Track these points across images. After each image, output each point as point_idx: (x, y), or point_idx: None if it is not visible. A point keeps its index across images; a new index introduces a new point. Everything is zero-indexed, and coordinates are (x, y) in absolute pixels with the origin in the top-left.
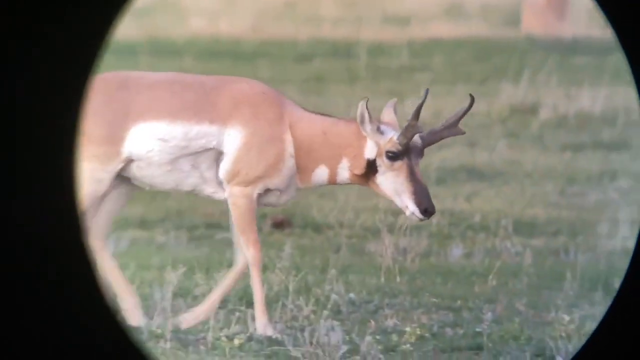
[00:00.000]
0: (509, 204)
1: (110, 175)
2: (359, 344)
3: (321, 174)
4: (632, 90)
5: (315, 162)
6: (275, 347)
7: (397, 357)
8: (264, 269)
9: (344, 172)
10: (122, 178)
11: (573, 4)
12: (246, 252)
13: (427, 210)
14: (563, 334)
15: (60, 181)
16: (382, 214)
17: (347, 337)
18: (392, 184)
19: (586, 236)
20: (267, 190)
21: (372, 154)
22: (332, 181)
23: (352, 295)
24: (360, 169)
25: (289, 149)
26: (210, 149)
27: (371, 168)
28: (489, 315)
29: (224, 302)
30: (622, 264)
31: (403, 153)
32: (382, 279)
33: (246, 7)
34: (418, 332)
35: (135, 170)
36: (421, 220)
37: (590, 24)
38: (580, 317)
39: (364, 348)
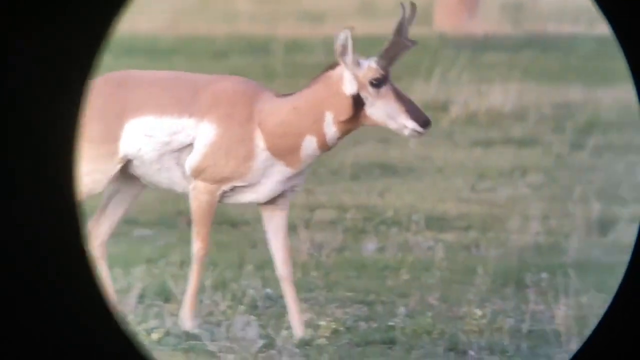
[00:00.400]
0: (421, 199)
1: (109, 175)
2: (274, 338)
3: (309, 145)
4: (542, 86)
5: (299, 138)
6: (192, 342)
7: (312, 350)
8: (181, 264)
9: (331, 129)
10: (122, 182)
11: (483, 1)
12: (193, 243)
13: (426, 122)
14: (475, 329)
15: (60, 181)
16: (298, 209)
17: (263, 332)
18: (383, 111)
19: (497, 231)
20: (237, 189)
21: (353, 88)
22: (323, 146)
23: (268, 290)
24: (346, 113)
25: (260, 143)
26: (189, 144)
27: (357, 104)
28: (402, 310)
29: (141, 297)
30: (534, 259)
31: (387, 77)
32: (299, 274)
33: (162, 4)
34: (333, 326)
35: (134, 170)
36: (421, 133)
37: (501, 21)
38: (492, 311)
39: (279, 342)
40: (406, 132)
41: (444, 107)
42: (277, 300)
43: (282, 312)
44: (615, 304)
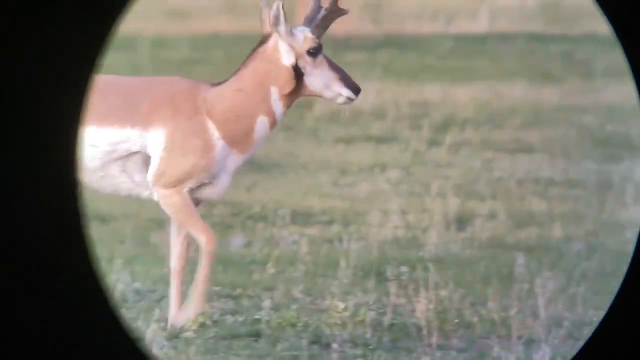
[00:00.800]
0: (286, 194)
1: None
2: (144, 331)
3: (262, 126)
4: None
5: (251, 119)
6: None
7: (180, 343)
8: None
9: (278, 104)
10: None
11: (343, 1)
12: (199, 240)
13: (357, 89)
14: (338, 321)
15: (60, 182)
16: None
17: (133, 325)
18: (320, 79)
19: (358, 225)
20: (201, 185)
21: (291, 59)
22: (273, 124)
23: (137, 284)
24: (289, 84)
25: (215, 134)
26: (136, 152)
27: (297, 74)
28: (267, 303)
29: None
30: (394, 253)
31: (321, 46)
32: (166, 269)
33: None
34: (200, 320)
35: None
36: (353, 100)
37: (361, 21)
38: (355, 304)
39: (149, 335)
40: (340, 100)
41: (308, 105)
42: (146, 294)
43: (151, 306)
44: (615, 306)
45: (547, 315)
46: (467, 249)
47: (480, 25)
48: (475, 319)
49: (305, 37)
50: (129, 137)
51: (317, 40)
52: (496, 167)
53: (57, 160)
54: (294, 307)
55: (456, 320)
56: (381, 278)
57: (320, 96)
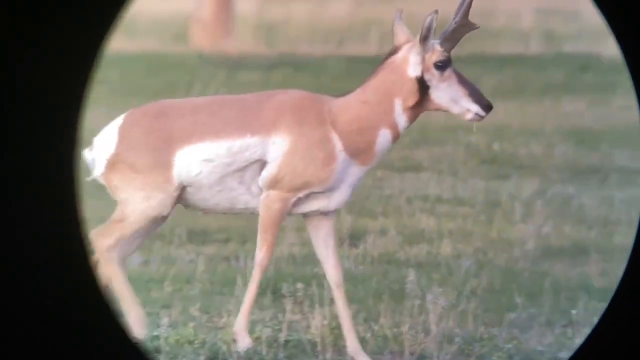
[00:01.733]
0: (182, 213)
1: (170, 199)
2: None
3: (384, 138)
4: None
5: (374, 132)
6: None
7: None
8: None
9: (402, 117)
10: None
11: (238, 21)
12: (258, 251)
13: (488, 106)
14: (234, 338)
15: (61, 183)
16: None
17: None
18: (447, 94)
19: (254, 243)
20: (311, 195)
21: (418, 71)
22: (396, 137)
23: None
24: (413, 97)
25: (338, 145)
26: (255, 161)
27: (422, 87)
28: (165, 320)
29: None
30: (289, 270)
31: (450, 59)
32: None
33: None
34: None
35: (188, 196)
36: (483, 117)
37: (255, 41)
38: (251, 321)
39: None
40: (469, 116)
41: None
42: None
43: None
44: (614, 306)
45: (438, 331)
46: (359, 265)
47: (370, 47)
48: (368, 335)
49: (433, 49)
50: (248, 145)
51: (445, 54)
52: (386, 185)
53: (57, 161)
54: (191, 324)
55: None
56: (277, 295)
57: (447, 111)
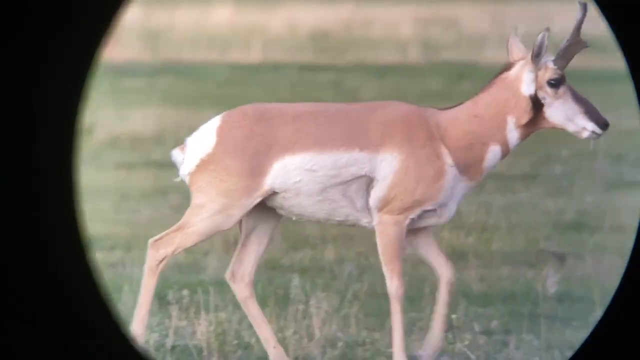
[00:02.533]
0: None
1: (242, 211)
2: None
3: (494, 154)
4: (179, 110)
5: (484, 147)
6: None
7: None
8: None
9: (513, 134)
10: (261, 217)
11: (122, 28)
12: (389, 283)
13: (605, 124)
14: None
15: (61, 184)
16: None
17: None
18: (562, 111)
19: (141, 250)
20: (423, 214)
21: (531, 89)
22: (506, 153)
23: None
24: (527, 115)
25: (448, 160)
26: (362, 176)
27: (536, 105)
28: None
29: None
30: (175, 277)
31: (564, 77)
32: None
33: None
34: None
35: (281, 201)
36: (600, 135)
37: (140, 48)
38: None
39: None
40: (585, 134)
41: (89, 130)
42: None
43: None
44: (614, 306)
45: (321, 336)
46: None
47: (253, 55)
48: (253, 340)
49: (546, 67)
50: (356, 160)
51: (559, 71)
52: None
53: (57, 163)
54: None
55: (235, 342)
56: (163, 302)
57: (563, 129)
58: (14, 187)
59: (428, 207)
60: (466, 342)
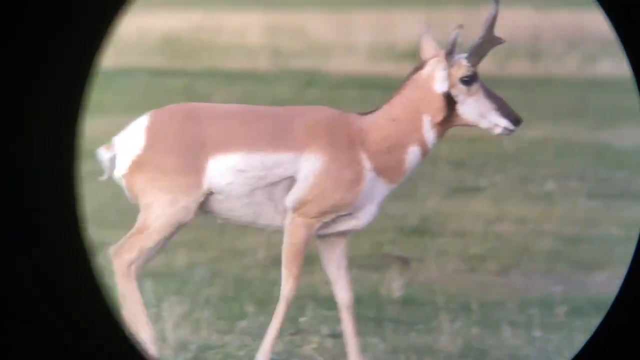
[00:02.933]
0: None
1: (196, 204)
2: None
3: (414, 155)
4: None
5: (403, 150)
6: None
7: None
8: None
9: (430, 133)
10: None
11: None
12: (284, 283)
13: (517, 120)
14: None
15: (61, 186)
16: None
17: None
18: (475, 108)
19: None
20: (337, 218)
21: (444, 86)
22: (425, 153)
23: None
24: (441, 112)
25: (367, 165)
26: (287, 178)
27: (449, 103)
28: None
29: None
30: None
31: (476, 74)
32: None
33: None
34: None
35: (214, 204)
36: (512, 131)
37: None
38: None
39: None
40: (497, 131)
41: None
42: None
43: None
44: (615, 307)
45: (174, 339)
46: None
47: (104, 60)
48: None
49: (459, 64)
50: (282, 161)
51: (471, 68)
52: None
53: (57, 165)
54: None
55: None
56: None
57: (476, 125)
58: (14, 187)
59: (343, 212)
60: (314, 345)
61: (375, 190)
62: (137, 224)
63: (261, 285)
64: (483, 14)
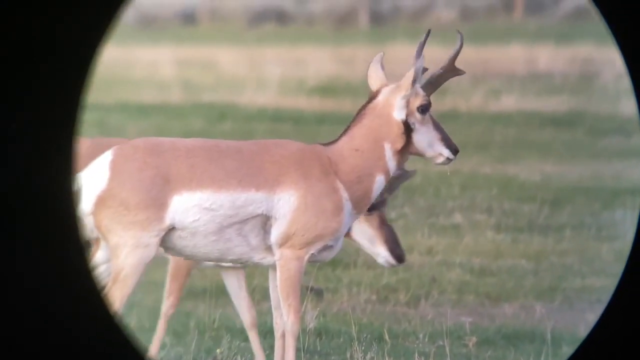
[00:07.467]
0: None
1: (156, 240)
2: None
3: (379, 185)
4: None
5: (370, 179)
6: None
7: None
8: None
9: (392, 162)
10: None
11: None
12: (285, 318)
13: (456, 150)
14: None
15: (60, 191)
16: None
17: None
18: (426, 137)
19: None
20: (323, 248)
21: (403, 114)
22: (388, 180)
23: None
24: (400, 140)
25: (344, 194)
26: (258, 215)
27: (407, 130)
28: None
29: None
30: None
31: (430, 103)
32: None
33: None
34: None
35: (175, 240)
36: (451, 161)
37: None
38: None
39: None
40: (439, 160)
41: None
42: None
43: None
44: (613, 306)
45: None
46: None
47: None
48: None
49: (417, 93)
50: (253, 200)
51: (427, 98)
52: None
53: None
54: None
55: None
56: None
57: (421, 155)
58: (13, 188)
59: (329, 241)
60: None
61: (349, 220)
62: (112, 275)
63: (177, 316)
64: (389, 50)
